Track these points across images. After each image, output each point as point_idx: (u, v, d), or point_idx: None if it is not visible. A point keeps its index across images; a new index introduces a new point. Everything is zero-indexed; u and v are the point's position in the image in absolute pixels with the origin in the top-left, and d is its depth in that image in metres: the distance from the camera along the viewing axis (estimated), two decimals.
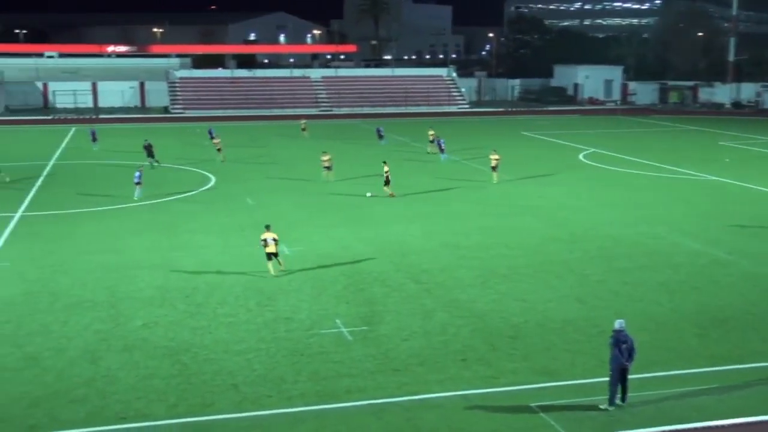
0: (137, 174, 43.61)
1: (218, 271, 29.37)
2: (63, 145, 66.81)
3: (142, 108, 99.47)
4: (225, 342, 22.47)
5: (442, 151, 56.75)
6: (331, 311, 25.07)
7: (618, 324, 18.38)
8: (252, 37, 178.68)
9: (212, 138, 61.29)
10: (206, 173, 51.52)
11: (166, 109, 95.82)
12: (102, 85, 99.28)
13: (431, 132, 62.09)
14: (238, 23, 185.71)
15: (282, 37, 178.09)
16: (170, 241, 33.90)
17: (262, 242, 28.61)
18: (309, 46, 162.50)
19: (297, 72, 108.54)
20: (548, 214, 39.44)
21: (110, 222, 37.55)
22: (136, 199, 42.42)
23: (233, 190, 45.71)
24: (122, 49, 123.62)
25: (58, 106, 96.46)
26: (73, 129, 77.77)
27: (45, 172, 51.82)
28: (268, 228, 28.90)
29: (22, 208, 40.58)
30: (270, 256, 28.56)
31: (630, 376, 18.47)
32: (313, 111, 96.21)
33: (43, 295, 26.61)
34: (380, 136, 67.72)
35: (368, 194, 43.27)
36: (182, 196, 44.23)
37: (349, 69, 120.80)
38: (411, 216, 38.76)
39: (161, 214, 39.25)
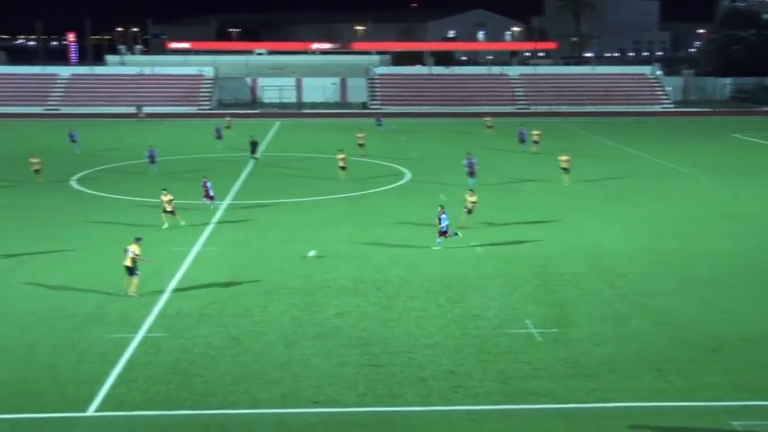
0: (207, 184, 39.16)
1: (409, 265, 29.75)
2: (269, 137, 70.00)
3: (343, 104, 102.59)
4: (414, 335, 22.72)
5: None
6: (521, 311, 24.77)
7: None
8: (451, 34, 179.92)
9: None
10: (402, 168, 52.34)
11: (364, 105, 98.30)
12: (306, 81, 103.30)
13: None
14: (438, 21, 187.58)
15: (481, 35, 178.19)
16: (365, 234, 34.72)
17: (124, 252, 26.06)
18: (507, 44, 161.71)
19: (495, 69, 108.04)
20: (757, 221, 37.05)
21: (311, 213, 38.95)
22: (211, 207, 38.98)
23: (428, 186, 46.16)
24: (326, 46, 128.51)
25: (265, 101, 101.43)
26: (278, 123, 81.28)
27: (251, 163, 54.40)
28: (137, 240, 26.44)
29: (230, 197, 42.89)
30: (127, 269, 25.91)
31: None
32: (510, 108, 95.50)
33: (246, 280, 28.01)
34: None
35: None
36: (379, 190, 45.20)
37: (547, 66, 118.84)
38: (607, 218, 37.63)
39: (358, 208, 40.28)
